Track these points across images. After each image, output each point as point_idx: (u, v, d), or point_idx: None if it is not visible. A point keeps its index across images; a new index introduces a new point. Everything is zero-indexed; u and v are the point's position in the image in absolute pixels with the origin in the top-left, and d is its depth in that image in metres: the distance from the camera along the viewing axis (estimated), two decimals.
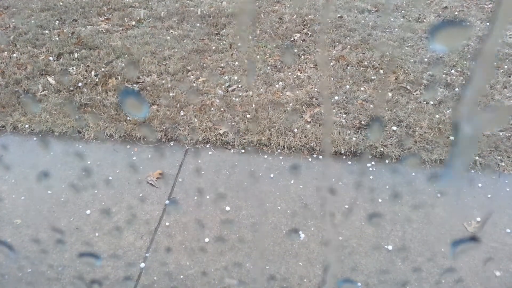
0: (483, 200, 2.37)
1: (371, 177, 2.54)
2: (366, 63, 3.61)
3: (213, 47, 3.89)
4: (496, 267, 2.02)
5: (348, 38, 4.04)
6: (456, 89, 3.25)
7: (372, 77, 3.41)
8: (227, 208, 2.33)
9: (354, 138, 2.78)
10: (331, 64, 3.62)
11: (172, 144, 2.81)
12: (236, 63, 3.63)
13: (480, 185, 2.47)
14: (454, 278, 1.97)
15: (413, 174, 2.55)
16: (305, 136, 2.80)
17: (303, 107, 3.08)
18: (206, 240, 2.16)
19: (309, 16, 4.46)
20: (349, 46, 3.88)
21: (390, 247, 2.11)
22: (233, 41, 4.00)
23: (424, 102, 3.11)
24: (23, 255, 2.09)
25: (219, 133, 2.84)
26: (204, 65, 3.62)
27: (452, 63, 3.60)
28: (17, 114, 3.04)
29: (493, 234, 2.18)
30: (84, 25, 4.31)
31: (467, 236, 2.13)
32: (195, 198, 2.40)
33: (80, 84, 3.35)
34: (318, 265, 2.03)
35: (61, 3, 4.77)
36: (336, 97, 3.17)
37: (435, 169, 2.59)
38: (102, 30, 4.20)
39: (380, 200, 2.37)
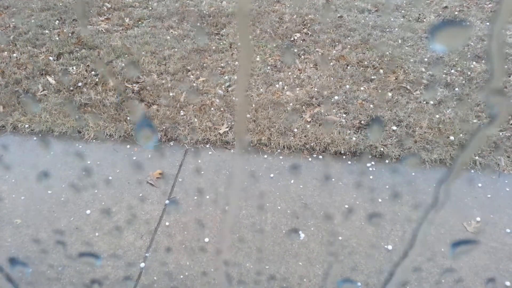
0: (483, 200, 2.37)
1: (371, 177, 2.54)
2: (366, 63, 3.61)
3: (213, 47, 3.88)
4: (496, 267, 2.02)
5: (348, 38, 4.04)
6: (456, 89, 3.25)
7: (372, 77, 3.41)
8: (227, 208, 2.33)
9: (354, 138, 2.78)
10: (331, 64, 3.62)
11: (172, 144, 2.81)
12: (236, 63, 3.63)
13: (480, 185, 2.47)
14: (453, 278, 1.97)
15: (413, 174, 2.55)
16: (305, 136, 2.80)
17: (303, 107, 3.08)
18: (206, 240, 2.16)
19: (309, 16, 4.46)
20: (349, 46, 3.88)
21: (390, 247, 2.11)
22: (233, 40, 4.00)
23: (424, 102, 3.11)
24: (23, 255, 2.09)
25: (219, 133, 2.84)
26: (204, 65, 3.62)
27: (452, 63, 3.60)
28: (17, 114, 3.04)
29: (493, 234, 2.18)
30: (84, 25, 4.31)
31: (467, 236, 2.14)
32: (195, 198, 2.40)
33: (80, 84, 3.35)
34: (318, 265, 2.03)
35: (61, 3, 4.77)
36: (336, 97, 3.16)
37: (435, 169, 2.59)
38: (102, 30, 4.20)
39: (380, 200, 2.37)
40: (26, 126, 2.95)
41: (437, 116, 2.97)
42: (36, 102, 3.13)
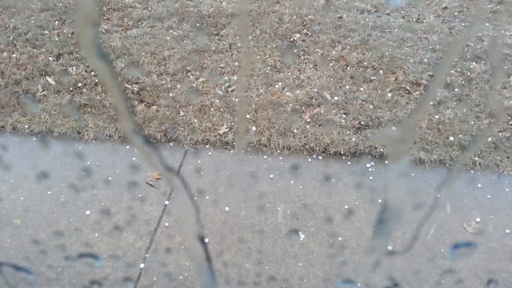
0: (483, 200, 2.37)
1: (370, 177, 2.54)
2: (365, 63, 3.61)
3: (213, 48, 3.88)
4: (496, 268, 2.02)
5: (348, 38, 4.04)
6: (456, 89, 3.25)
7: (372, 78, 3.41)
8: (227, 209, 2.33)
9: (353, 139, 2.78)
10: (331, 64, 3.62)
11: (171, 144, 2.81)
12: (236, 63, 3.63)
13: (479, 185, 2.47)
14: (453, 279, 1.97)
15: (413, 174, 2.55)
16: (304, 137, 2.80)
17: (303, 107, 3.08)
18: (206, 240, 2.16)
19: (309, 16, 4.46)
20: (348, 47, 3.88)
21: (389, 248, 2.11)
22: (233, 41, 4.00)
23: (424, 103, 3.11)
24: (23, 255, 2.09)
25: (219, 133, 2.84)
26: (204, 65, 3.62)
27: (452, 63, 3.60)
28: (17, 114, 3.04)
29: (493, 234, 2.18)
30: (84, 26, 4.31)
31: (466, 237, 2.14)
32: (195, 198, 2.40)
33: (79, 85, 3.35)
34: (318, 265, 2.03)
35: (60, 4, 4.77)
36: (335, 98, 3.17)
37: (434, 169, 2.59)
38: (101, 30, 4.20)
39: (379, 201, 2.37)
40: (26, 126, 2.94)
41: (437, 116, 2.97)
42: (35, 103, 3.13)
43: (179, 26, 4.29)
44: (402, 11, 4.61)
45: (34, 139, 2.88)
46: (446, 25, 4.31)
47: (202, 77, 3.46)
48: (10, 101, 3.16)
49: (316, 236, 2.18)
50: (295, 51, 3.81)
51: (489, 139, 2.76)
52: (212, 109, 3.07)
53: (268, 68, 3.56)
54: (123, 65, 3.60)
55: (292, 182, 2.51)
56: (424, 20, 4.41)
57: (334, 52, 3.81)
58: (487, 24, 4.32)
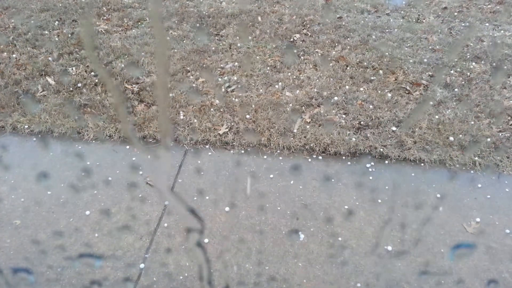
0: (483, 200, 2.37)
1: (370, 177, 2.54)
2: (365, 63, 3.61)
3: (213, 48, 3.89)
4: (496, 268, 2.02)
5: (348, 38, 4.04)
6: (456, 89, 3.25)
7: (372, 78, 3.41)
8: (227, 209, 2.33)
9: (353, 139, 2.78)
10: (331, 64, 3.62)
11: (172, 144, 2.81)
12: (236, 63, 3.63)
13: (479, 185, 2.47)
14: (453, 279, 1.97)
15: (413, 174, 2.55)
16: (304, 137, 2.80)
17: (303, 107, 3.08)
18: (206, 240, 2.16)
19: (309, 16, 4.47)
20: (348, 47, 3.88)
21: (389, 248, 2.11)
22: (233, 41, 4.00)
23: (424, 103, 3.11)
24: (23, 256, 2.09)
25: (219, 133, 2.84)
26: (204, 65, 3.62)
27: (452, 63, 3.60)
28: (17, 114, 3.04)
29: (493, 234, 2.18)
30: (84, 26, 4.31)
31: (466, 237, 2.14)
32: (195, 198, 2.40)
33: (79, 85, 3.35)
34: (318, 265, 2.03)
35: (60, 4, 4.77)
36: (335, 98, 3.17)
37: (434, 170, 2.59)
38: (101, 31, 4.20)
39: (379, 201, 2.37)
40: (26, 126, 2.94)
41: (437, 116, 2.97)
42: (35, 103, 3.13)
43: (179, 26, 4.29)
44: (402, 11, 4.61)
45: (34, 139, 2.88)
46: (446, 25, 4.31)
47: (202, 77, 3.46)
48: (10, 101, 3.16)
49: (316, 236, 2.18)
50: (295, 51, 3.81)
51: (489, 139, 2.76)
52: (212, 109, 3.07)
53: (268, 68, 3.56)
54: (123, 65, 3.60)
55: (292, 182, 2.51)
56: (424, 20, 4.42)
57: (334, 52, 3.81)
58: (487, 24, 4.32)
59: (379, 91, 3.24)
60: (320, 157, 2.70)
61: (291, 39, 4.05)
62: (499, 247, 2.11)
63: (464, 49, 3.83)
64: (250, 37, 4.07)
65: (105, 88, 3.30)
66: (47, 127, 2.93)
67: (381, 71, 3.50)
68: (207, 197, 2.40)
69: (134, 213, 2.31)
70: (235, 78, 3.43)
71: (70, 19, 4.44)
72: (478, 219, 2.26)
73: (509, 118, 2.95)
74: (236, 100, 3.15)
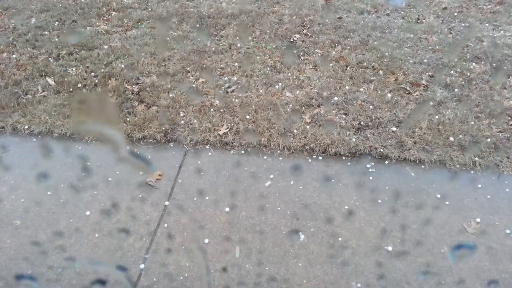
0: (483, 201, 2.37)
1: (370, 178, 2.54)
2: (365, 64, 3.61)
3: (213, 48, 3.89)
4: (496, 268, 2.02)
5: (348, 39, 4.04)
6: (456, 90, 3.26)
7: (372, 78, 3.41)
8: (227, 209, 2.33)
9: (353, 139, 2.78)
10: (331, 65, 3.62)
11: (171, 145, 2.81)
12: (236, 64, 3.63)
13: (479, 186, 2.47)
14: (454, 279, 1.97)
15: (412, 174, 2.55)
16: (304, 137, 2.80)
17: (303, 108, 3.08)
18: (206, 241, 2.16)
19: (309, 17, 4.47)
20: (348, 47, 3.89)
21: (389, 248, 2.11)
22: (233, 42, 4.00)
23: (424, 103, 3.11)
24: (23, 256, 2.09)
25: (219, 134, 2.84)
26: (204, 66, 3.62)
27: (452, 64, 3.60)
28: (17, 115, 3.04)
29: (493, 235, 2.18)
30: (83, 26, 4.31)
31: (467, 237, 2.14)
32: (195, 199, 2.40)
33: (79, 85, 3.35)
34: (318, 266, 2.03)
35: (60, 4, 4.77)
36: (335, 98, 3.17)
37: (434, 170, 2.59)
38: (101, 31, 4.20)
39: (379, 201, 2.37)
40: (26, 127, 2.94)
41: (437, 117, 2.97)
42: (35, 103, 3.14)
43: (179, 27, 4.29)
44: (402, 12, 4.61)
45: (34, 139, 2.88)
46: (445, 25, 4.32)
47: (202, 77, 3.46)
48: (10, 101, 3.16)
49: (316, 237, 2.18)
50: (295, 51, 3.81)
51: (489, 139, 2.76)
52: (212, 109, 3.07)
53: (268, 68, 3.56)
54: (123, 65, 3.60)
55: (292, 182, 2.51)
56: (424, 21, 4.42)
57: (334, 52, 3.81)
58: (487, 24, 4.32)
59: (379, 92, 3.24)
60: (320, 158, 2.70)
61: (291, 40, 4.05)
62: (500, 247, 2.11)
63: (464, 49, 3.83)
64: (250, 38, 4.07)
65: (105, 89, 3.30)
66: (47, 127, 2.93)
67: (381, 72, 3.50)
68: (207, 198, 2.40)
69: (134, 213, 2.31)
70: (235, 78, 3.43)
71: (70, 19, 4.44)
72: (478, 219, 2.26)
73: (509, 118, 2.95)
74: (236, 100, 3.15)
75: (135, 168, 2.62)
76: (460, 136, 2.79)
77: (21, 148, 2.80)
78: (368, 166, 2.62)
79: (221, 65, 3.62)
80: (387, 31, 4.20)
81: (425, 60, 3.64)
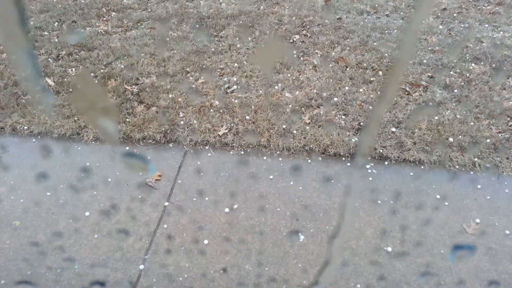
0: (482, 201, 2.38)
1: (370, 178, 2.54)
2: (365, 64, 3.62)
3: (212, 49, 3.89)
4: (495, 269, 2.02)
5: (347, 39, 4.04)
6: (455, 90, 3.26)
7: (371, 79, 3.41)
8: (226, 210, 2.33)
9: (353, 140, 2.78)
10: (330, 65, 3.62)
11: (171, 145, 2.81)
12: (235, 64, 3.63)
13: (479, 186, 2.47)
14: (453, 280, 1.97)
15: (411, 174, 2.55)
16: (304, 138, 2.80)
17: (302, 108, 3.08)
18: (206, 242, 2.15)
19: (308, 17, 4.47)
20: (348, 48, 3.89)
21: (389, 249, 2.11)
22: (232, 42, 4.00)
23: (423, 104, 3.11)
24: (22, 257, 2.08)
25: (218, 134, 2.84)
26: (203, 66, 3.62)
27: (451, 64, 3.61)
28: (16, 115, 3.03)
29: (493, 235, 2.18)
30: (83, 27, 4.31)
31: (466, 238, 2.14)
32: (194, 199, 2.40)
33: (79, 86, 3.34)
34: (318, 266, 2.03)
35: (60, 5, 4.77)
36: (335, 99, 3.17)
37: (434, 170, 2.59)
38: (101, 32, 4.20)
39: (379, 202, 2.37)
40: (25, 127, 2.94)
41: (436, 117, 2.97)
42: (35, 104, 3.13)
43: (179, 27, 4.29)
44: (401, 12, 4.62)
45: (34, 140, 2.87)
46: (445, 26, 4.32)
47: (201, 78, 3.46)
48: (10, 102, 3.16)
49: (316, 237, 2.18)
50: (295, 52, 3.81)
51: (489, 140, 2.76)
52: (211, 110, 3.07)
53: (268, 69, 3.55)
54: (122, 66, 3.60)
55: (292, 183, 2.51)
56: (424, 22, 4.42)
57: (333, 53, 3.81)
58: (486, 25, 4.32)
59: (379, 92, 3.24)
60: (320, 158, 2.70)
61: (291, 40, 4.05)
62: (499, 248, 2.11)
63: (463, 50, 3.84)
64: (249, 38, 4.07)
65: (105, 89, 3.30)
66: (47, 128, 2.93)
67: (380, 72, 3.50)
68: (206, 198, 2.40)
69: (133, 214, 2.31)
70: (235, 79, 3.43)
71: (69, 20, 4.44)
72: (477, 220, 2.26)
73: (509, 119, 2.96)
74: (236, 101, 3.15)
75: (134, 168, 2.62)
76: (460, 136, 2.79)
77: (21, 148, 2.80)
78: (367, 166, 2.62)
79: (221, 66, 3.62)
80: (386, 31, 4.20)
81: (425, 61, 3.64)
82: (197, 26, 4.34)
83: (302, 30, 4.23)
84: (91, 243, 2.16)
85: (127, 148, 2.79)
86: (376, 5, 4.77)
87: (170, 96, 3.21)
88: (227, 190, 2.46)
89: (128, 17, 4.52)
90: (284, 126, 2.90)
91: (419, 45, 3.93)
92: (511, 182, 2.50)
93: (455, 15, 4.55)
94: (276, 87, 3.32)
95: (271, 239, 2.17)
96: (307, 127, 2.89)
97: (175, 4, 4.86)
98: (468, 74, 3.46)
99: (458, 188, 2.46)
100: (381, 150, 2.70)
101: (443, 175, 2.56)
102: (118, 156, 2.73)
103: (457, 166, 2.61)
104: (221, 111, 3.06)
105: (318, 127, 2.90)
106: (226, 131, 2.87)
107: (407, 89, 3.28)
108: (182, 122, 2.96)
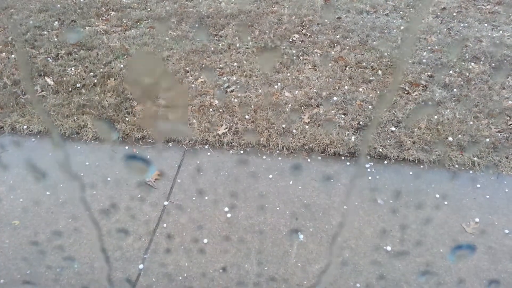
0: (482, 201, 2.38)
1: (369, 177, 2.54)
2: (364, 64, 3.61)
3: (212, 48, 3.88)
4: (495, 268, 2.02)
5: (347, 39, 4.04)
6: (455, 89, 3.26)
7: (371, 78, 3.41)
8: (226, 209, 2.33)
9: (352, 139, 2.78)
10: (330, 65, 3.62)
11: (170, 145, 2.81)
12: (235, 63, 3.63)
13: (478, 185, 2.47)
14: (453, 279, 1.97)
15: (411, 173, 2.56)
16: (303, 137, 2.80)
17: (302, 107, 3.08)
18: (205, 241, 2.15)
19: (308, 17, 4.47)
20: (347, 47, 3.89)
21: (388, 248, 2.11)
22: (232, 42, 4.00)
23: (423, 103, 3.11)
24: (22, 256, 2.08)
25: (218, 134, 2.84)
26: (203, 66, 3.62)
27: (451, 64, 3.61)
28: (16, 115, 3.03)
29: (492, 235, 2.18)
30: (82, 26, 4.31)
31: (466, 237, 2.14)
32: (194, 199, 2.40)
33: (78, 85, 3.34)
34: (317, 266, 2.03)
35: (59, 4, 4.76)
36: (334, 98, 3.17)
37: (433, 170, 2.59)
38: (100, 31, 4.20)
39: (379, 201, 2.37)
40: (25, 127, 2.94)
41: (436, 117, 2.97)
42: (34, 103, 3.13)
43: (178, 27, 4.29)
44: (401, 12, 4.62)
45: (33, 139, 2.87)
46: (444, 25, 4.32)
47: (201, 77, 3.46)
48: (9, 101, 3.15)
49: (316, 236, 2.18)
50: (294, 51, 3.81)
51: (488, 139, 2.77)
52: (211, 109, 3.07)
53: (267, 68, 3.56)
54: (122, 65, 3.60)
55: (291, 182, 2.51)
56: (423, 21, 4.42)
57: (333, 52, 3.81)
58: (486, 24, 4.32)
59: (378, 92, 3.24)
60: (319, 157, 2.70)
61: (290, 40, 4.05)
62: (498, 247, 2.12)
63: (463, 49, 3.84)
64: (249, 38, 4.07)
65: (104, 89, 3.30)
66: (46, 127, 2.93)
67: (380, 72, 3.50)
68: (206, 197, 2.40)
69: (133, 213, 2.31)
70: (234, 78, 3.42)
71: (69, 19, 4.43)
72: (477, 219, 2.26)
73: (508, 118, 2.96)
74: (235, 100, 3.15)
75: (134, 168, 2.62)
76: (459, 136, 2.79)
77: (20, 148, 2.80)
78: (367, 166, 2.62)
79: (220, 65, 3.62)
80: (386, 31, 4.20)
81: (424, 60, 3.64)
82: (197, 25, 4.34)
83: (302, 30, 4.23)
84: (90, 242, 2.16)
85: (127, 147, 2.79)
86: (376, 5, 4.77)
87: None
88: (227, 189, 2.46)
89: (127, 17, 4.52)
90: (283, 126, 2.90)
91: (418, 44, 3.93)
92: (510, 181, 2.51)
93: (454, 14, 4.55)
94: (276, 86, 3.32)
95: (271, 239, 2.17)
96: (307, 127, 2.89)
97: (174, 3, 4.85)
98: (467, 74, 3.46)
99: (458, 188, 2.46)
100: (380, 150, 2.70)
101: (443, 175, 2.56)
102: (118, 155, 2.73)
103: (456, 166, 2.61)
104: (220, 110, 3.05)
105: (318, 127, 2.90)
106: (226, 130, 2.87)
107: (407, 88, 3.28)
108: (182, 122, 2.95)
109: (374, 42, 3.97)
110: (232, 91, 3.28)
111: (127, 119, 2.99)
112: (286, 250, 2.11)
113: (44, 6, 4.69)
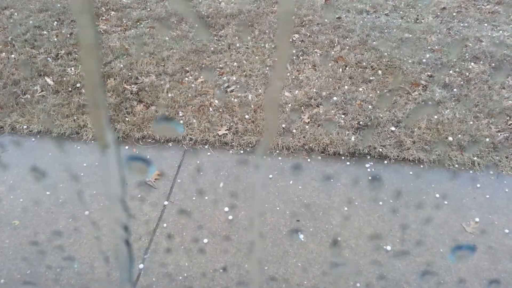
0: (482, 200, 2.38)
1: (369, 177, 2.54)
2: (364, 63, 3.61)
3: (212, 48, 3.88)
4: (495, 267, 2.02)
5: (347, 39, 4.04)
6: (455, 89, 3.26)
7: (371, 78, 3.41)
8: (226, 209, 2.33)
9: (352, 139, 2.78)
10: (330, 64, 3.62)
11: (170, 145, 2.81)
12: (235, 63, 3.63)
13: (478, 185, 2.47)
14: (453, 279, 1.97)
15: (411, 173, 2.56)
16: (303, 137, 2.80)
17: (302, 107, 3.08)
18: (205, 241, 2.15)
19: (308, 17, 4.47)
20: (347, 47, 3.89)
21: (388, 248, 2.11)
22: (232, 41, 4.00)
23: (423, 103, 3.11)
24: (21, 256, 2.08)
25: (218, 134, 2.84)
26: (203, 65, 3.62)
27: (451, 63, 3.61)
28: (15, 115, 3.03)
29: (492, 234, 2.18)
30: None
31: (466, 237, 2.14)
32: (194, 198, 2.40)
33: (78, 85, 3.34)
34: (317, 265, 2.03)
35: (59, 4, 4.76)
36: (334, 98, 3.17)
37: (433, 170, 2.59)
38: (100, 31, 4.20)
39: (378, 201, 2.37)
40: (24, 127, 2.94)
41: (436, 117, 2.97)
42: (34, 103, 3.13)
43: (178, 27, 4.29)
44: (401, 12, 4.62)
45: (33, 139, 2.87)
46: (444, 25, 4.32)
47: (201, 77, 3.46)
48: (9, 101, 3.15)
49: (316, 236, 2.18)
50: (294, 51, 3.81)
51: (488, 139, 2.77)
52: (211, 109, 3.06)
53: (267, 68, 3.56)
54: (121, 65, 3.60)
55: (291, 182, 2.51)
56: (423, 21, 4.42)
57: (333, 52, 3.81)
58: (486, 24, 4.33)
59: (378, 91, 3.24)
60: (319, 157, 2.70)
61: (290, 39, 4.05)
62: (498, 247, 2.12)
63: (463, 49, 3.84)
64: (249, 37, 4.07)
65: (104, 88, 3.30)
66: (46, 127, 2.93)
67: (380, 71, 3.50)
68: (206, 197, 2.40)
69: (133, 213, 2.31)
70: (234, 78, 3.42)
71: (69, 19, 4.43)
72: (477, 219, 2.26)
73: (508, 118, 2.96)
74: (235, 100, 3.15)
75: (134, 167, 2.61)
76: (459, 135, 2.80)
77: (20, 147, 2.80)
78: (367, 165, 2.62)
79: (220, 65, 3.62)
80: (386, 31, 4.20)
81: (424, 60, 3.64)
82: (196, 25, 4.34)
83: (302, 30, 4.23)
84: (90, 242, 2.15)
85: (127, 147, 2.79)
86: (376, 4, 4.77)
87: (169, 95, 3.21)
88: (227, 189, 2.46)
89: (127, 16, 4.52)
90: (283, 125, 2.90)
91: (418, 44, 3.93)
92: (510, 181, 2.51)
93: (454, 14, 4.55)
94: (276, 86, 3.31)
95: (271, 238, 2.17)
96: (307, 126, 2.89)
97: (174, 3, 4.85)
98: (467, 73, 3.46)
99: (458, 187, 2.47)
100: (380, 149, 2.70)
101: (443, 174, 2.56)
102: (117, 155, 2.72)
103: (456, 165, 2.61)
104: (220, 110, 3.05)
105: (318, 126, 2.90)
106: (226, 130, 2.87)
107: (407, 88, 3.28)
108: (181, 122, 2.95)
109: (374, 42, 3.97)
110: (232, 91, 3.28)
111: (127, 119, 2.99)
112: (286, 250, 2.11)
113: (44, 6, 4.69)
